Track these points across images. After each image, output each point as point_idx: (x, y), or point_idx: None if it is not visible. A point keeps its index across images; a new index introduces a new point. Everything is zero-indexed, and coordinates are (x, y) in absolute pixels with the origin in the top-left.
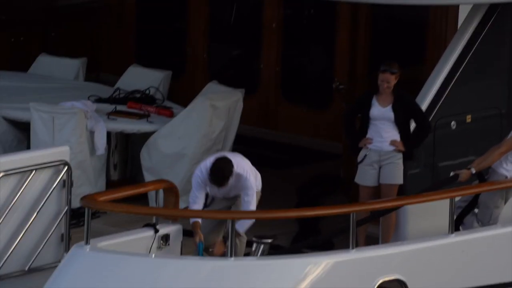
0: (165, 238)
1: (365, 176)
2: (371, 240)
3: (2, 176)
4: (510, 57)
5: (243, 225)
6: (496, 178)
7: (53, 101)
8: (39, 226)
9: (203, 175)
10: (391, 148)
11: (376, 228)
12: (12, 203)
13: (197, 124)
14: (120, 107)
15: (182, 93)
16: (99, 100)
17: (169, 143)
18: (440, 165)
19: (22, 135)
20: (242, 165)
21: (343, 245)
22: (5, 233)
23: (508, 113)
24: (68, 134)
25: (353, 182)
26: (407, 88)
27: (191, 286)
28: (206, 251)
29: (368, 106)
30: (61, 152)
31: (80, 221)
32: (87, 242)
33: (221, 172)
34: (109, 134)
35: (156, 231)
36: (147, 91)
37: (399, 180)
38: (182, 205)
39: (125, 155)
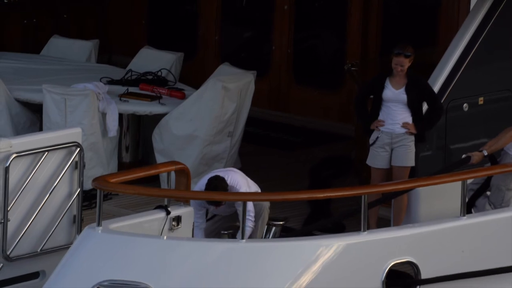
0: (177, 219)
1: (376, 159)
2: (383, 222)
3: (15, 158)
4: None
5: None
6: (508, 160)
7: (65, 83)
8: (51, 207)
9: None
10: (403, 130)
11: (388, 211)
12: (25, 185)
13: (209, 106)
14: (132, 89)
15: (194, 75)
16: (111, 82)
17: (181, 125)
18: (452, 148)
19: (34, 116)
20: (234, 178)
21: (355, 227)
22: (18, 214)
23: None
24: (80, 116)
25: (365, 164)
26: (419, 70)
27: (203, 267)
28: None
29: (381, 88)
30: (73, 133)
31: (92, 203)
32: (99, 224)
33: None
34: (121, 116)
35: (168, 213)
36: (159, 73)
37: (411, 162)
38: (193, 187)
39: (137, 137)
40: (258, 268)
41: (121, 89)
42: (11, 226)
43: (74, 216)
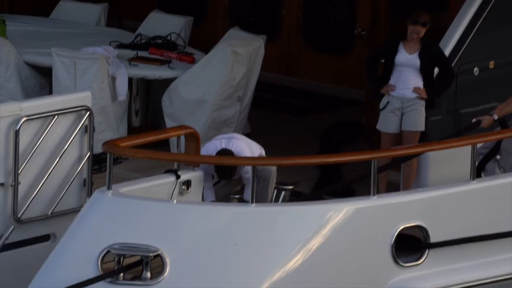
0: (187, 184)
1: (387, 123)
2: (392, 187)
3: (25, 121)
4: None
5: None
6: None
7: (75, 47)
8: (61, 171)
9: (209, 166)
10: (414, 95)
11: (397, 175)
12: (35, 148)
13: (219, 71)
14: (141, 53)
15: (203, 39)
16: (121, 46)
17: (190, 89)
18: (462, 112)
19: (44, 80)
20: (238, 145)
21: (364, 192)
22: (28, 178)
23: None
24: (90, 80)
25: (375, 129)
26: (430, 34)
27: (212, 231)
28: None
29: (394, 52)
30: (83, 97)
31: (102, 167)
32: (109, 188)
33: (227, 168)
34: (130, 80)
35: (178, 177)
36: (169, 37)
37: (421, 127)
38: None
39: (146, 101)
40: (267, 232)
41: (131, 53)
42: (21, 189)
43: (84, 180)
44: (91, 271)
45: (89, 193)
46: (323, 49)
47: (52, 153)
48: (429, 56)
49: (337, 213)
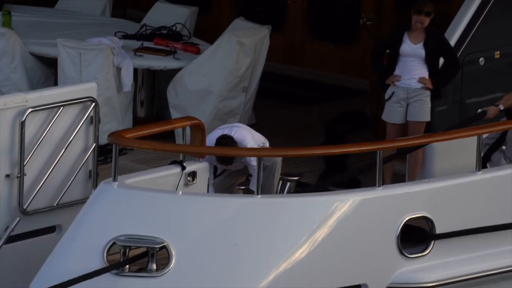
0: (192, 175)
1: (392, 114)
2: (398, 178)
3: (30, 112)
4: None
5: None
6: None
7: (80, 37)
8: (67, 162)
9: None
10: (420, 85)
11: (403, 166)
12: (40, 139)
13: (224, 61)
14: (146, 44)
15: (208, 30)
16: (126, 36)
17: (196, 80)
18: (467, 102)
19: (49, 71)
20: (240, 133)
21: (370, 183)
22: (34, 169)
23: None
24: (95, 71)
25: (380, 119)
26: (436, 24)
27: (218, 223)
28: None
29: (399, 42)
30: (88, 88)
31: (107, 158)
32: (115, 179)
33: None
34: (135, 70)
35: (183, 168)
36: (174, 28)
37: (427, 117)
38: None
39: (151, 92)
40: (273, 223)
41: (136, 43)
42: (27, 181)
43: (90, 171)
44: (97, 263)
45: (95, 185)
46: (328, 39)
47: (58, 144)
48: (434, 46)
49: (343, 204)
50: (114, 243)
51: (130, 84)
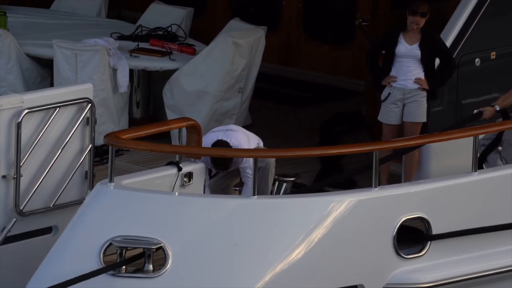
0: (188, 176)
1: (388, 115)
2: (394, 178)
3: (27, 113)
4: None
5: (247, 192)
6: None
7: (76, 38)
8: (63, 163)
9: (205, 157)
10: (416, 86)
11: (399, 166)
12: (37, 141)
13: (220, 62)
14: (142, 45)
15: (204, 31)
16: (122, 37)
17: (191, 80)
18: (463, 103)
19: (45, 71)
20: (236, 137)
21: (366, 184)
22: (30, 170)
23: None
24: (91, 72)
25: (376, 120)
26: (431, 24)
27: (214, 223)
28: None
29: (394, 43)
30: (84, 89)
31: (104, 159)
32: (111, 180)
33: (223, 160)
34: (131, 71)
35: (180, 169)
36: (169, 29)
37: (423, 118)
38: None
39: (147, 93)
40: (269, 224)
41: (132, 44)
42: (23, 182)
43: (86, 172)
44: (93, 264)
45: (91, 186)
46: (323, 40)
47: (54, 145)
48: (430, 47)
49: (339, 204)
50: (110, 244)
51: (126, 85)
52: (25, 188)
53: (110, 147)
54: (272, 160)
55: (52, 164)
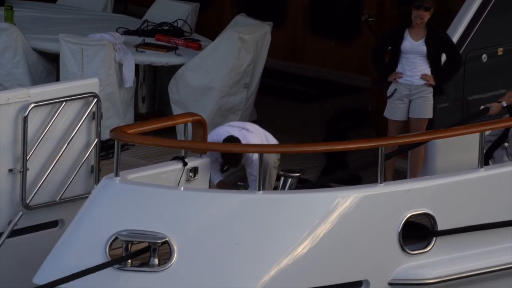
0: (194, 171)
1: (394, 111)
2: (399, 174)
3: (33, 107)
4: None
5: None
6: None
7: (82, 33)
8: (69, 157)
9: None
10: (422, 82)
11: (404, 162)
12: (43, 135)
13: (225, 57)
14: (148, 40)
15: (210, 26)
16: (127, 32)
17: (197, 76)
18: (470, 99)
19: (51, 66)
20: (248, 140)
21: (371, 179)
22: (36, 164)
23: None
24: (97, 66)
25: (381, 116)
26: (438, 20)
27: (219, 218)
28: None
29: (400, 39)
30: (90, 84)
31: (109, 153)
32: (117, 174)
33: (234, 155)
34: (137, 66)
35: (185, 164)
36: (175, 24)
37: (429, 114)
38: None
39: (153, 88)
40: (274, 219)
41: (137, 39)
42: (30, 176)
43: (92, 166)
44: (99, 258)
45: (97, 180)
46: (329, 36)
47: (60, 139)
48: (436, 42)
49: (344, 200)
50: (116, 238)
51: (131, 80)
52: (32, 182)
53: (116, 142)
54: (271, 163)
55: (58, 158)
